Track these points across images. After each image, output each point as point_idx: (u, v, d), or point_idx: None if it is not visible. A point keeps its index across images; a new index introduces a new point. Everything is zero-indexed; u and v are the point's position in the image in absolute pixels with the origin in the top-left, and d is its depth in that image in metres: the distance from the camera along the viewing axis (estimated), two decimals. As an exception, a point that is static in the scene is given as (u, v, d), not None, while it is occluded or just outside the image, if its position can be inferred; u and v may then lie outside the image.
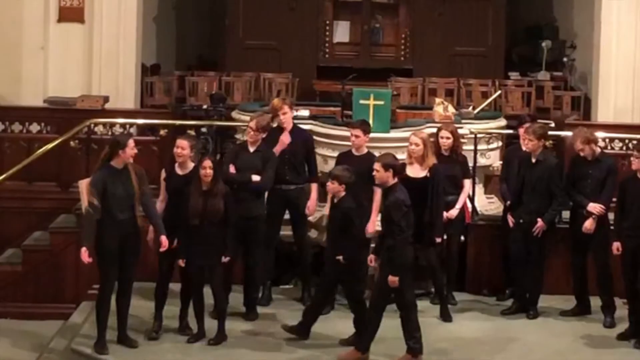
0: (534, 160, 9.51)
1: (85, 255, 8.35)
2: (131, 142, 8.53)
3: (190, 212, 8.67)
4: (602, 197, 9.37)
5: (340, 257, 8.58)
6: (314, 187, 9.63)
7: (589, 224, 9.35)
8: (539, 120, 10.95)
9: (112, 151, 8.47)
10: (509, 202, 9.75)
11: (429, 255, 9.30)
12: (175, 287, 9.03)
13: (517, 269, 9.66)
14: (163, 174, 8.97)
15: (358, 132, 9.27)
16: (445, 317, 9.40)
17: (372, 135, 9.61)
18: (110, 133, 10.84)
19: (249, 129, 9.40)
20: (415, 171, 9.21)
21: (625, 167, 9.95)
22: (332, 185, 8.62)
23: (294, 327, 8.82)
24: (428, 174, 9.20)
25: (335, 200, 8.66)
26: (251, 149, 9.37)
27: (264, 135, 9.41)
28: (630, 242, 8.95)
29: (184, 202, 8.74)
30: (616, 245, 9.04)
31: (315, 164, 9.69)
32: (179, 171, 8.93)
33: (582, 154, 9.47)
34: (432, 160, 9.23)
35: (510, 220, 9.62)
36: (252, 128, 9.34)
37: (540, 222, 9.42)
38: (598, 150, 9.54)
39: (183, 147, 8.89)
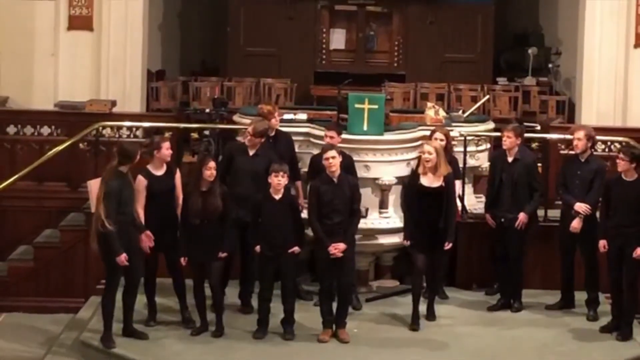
0: (511, 159, 9.64)
1: (122, 258, 8.54)
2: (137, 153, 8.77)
3: (190, 211, 8.82)
4: (589, 197, 9.51)
5: (296, 249, 8.83)
6: (299, 184, 9.82)
7: (575, 223, 9.52)
8: (525, 124, 11.35)
9: (124, 159, 8.63)
10: (485, 202, 9.89)
11: (439, 259, 9.47)
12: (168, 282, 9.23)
13: (502, 266, 9.82)
14: (143, 182, 8.94)
15: (333, 133, 9.42)
16: (430, 315, 9.50)
17: (366, 137, 9.91)
18: (117, 135, 10.93)
19: (247, 133, 9.54)
20: (430, 180, 9.26)
21: (608, 169, 10.00)
22: (283, 179, 8.80)
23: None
24: (443, 183, 9.23)
25: (279, 196, 8.84)
26: (250, 152, 9.50)
27: (262, 140, 9.53)
28: (616, 240, 9.06)
29: (172, 200, 8.93)
30: (602, 243, 9.16)
31: (297, 164, 9.80)
32: (157, 173, 9.03)
33: (575, 142, 9.58)
34: (445, 169, 9.24)
35: (490, 220, 9.76)
36: (249, 133, 9.47)
37: (522, 215, 9.58)
38: (589, 152, 9.66)
39: (171, 147, 9.13)
